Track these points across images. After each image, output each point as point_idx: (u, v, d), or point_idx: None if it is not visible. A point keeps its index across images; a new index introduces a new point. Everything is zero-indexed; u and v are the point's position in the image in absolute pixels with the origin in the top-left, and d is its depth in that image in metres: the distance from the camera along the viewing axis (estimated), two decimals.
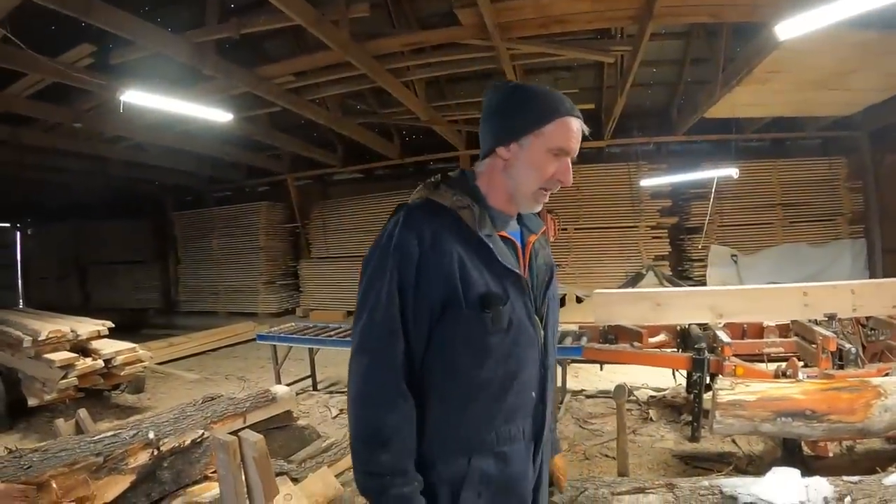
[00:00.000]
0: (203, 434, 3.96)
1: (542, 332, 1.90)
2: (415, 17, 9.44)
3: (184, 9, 8.67)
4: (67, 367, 7.56)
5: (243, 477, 3.19)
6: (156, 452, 3.65)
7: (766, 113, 11.41)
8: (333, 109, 11.66)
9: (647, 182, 12.91)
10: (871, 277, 12.03)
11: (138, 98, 7.47)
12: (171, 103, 7.92)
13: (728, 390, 4.67)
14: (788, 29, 5.63)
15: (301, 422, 5.96)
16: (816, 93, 9.33)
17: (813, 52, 7.34)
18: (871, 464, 4.87)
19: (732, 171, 10.79)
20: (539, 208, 1.94)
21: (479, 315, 1.71)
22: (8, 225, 24.27)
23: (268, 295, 16.89)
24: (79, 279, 21.73)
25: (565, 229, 13.71)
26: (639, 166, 13.46)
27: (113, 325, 8.78)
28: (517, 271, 1.81)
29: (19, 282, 24.39)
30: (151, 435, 3.75)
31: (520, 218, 1.99)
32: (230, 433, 3.43)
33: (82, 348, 8.14)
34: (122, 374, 8.19)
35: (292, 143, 13.92)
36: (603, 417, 7.19)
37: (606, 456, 6.01)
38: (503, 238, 1.86)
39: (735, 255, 13.15)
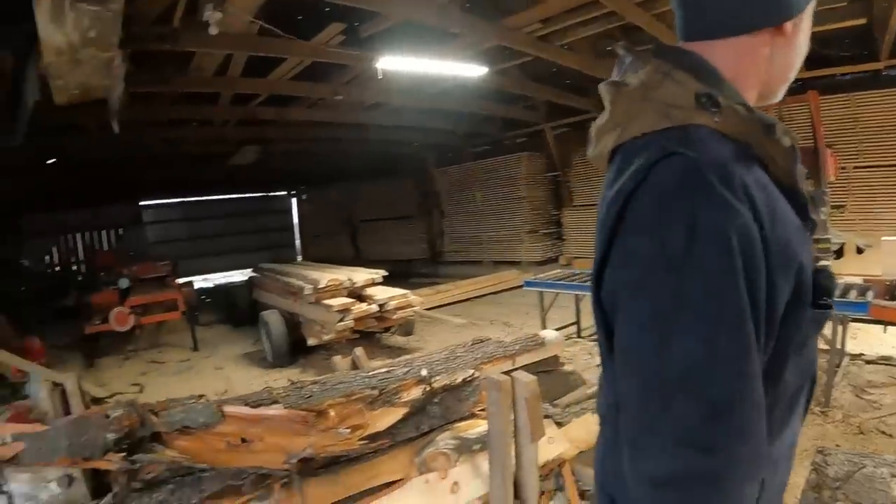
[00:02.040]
0: (473, 374, 4.12)
1: None
2: None
3: None
4: (344, 311, 8.35)
5: (512, 416, 3.31)
6: (428, 389, 3.85)
7: None
8: (585, 53, 11.38)
9: None
10: None
11: (393, 63, 7.83)
12: (425, 64, 8.20)
13: None
14: None
15: (567, 367, 6.00)
16: None
17: None
18: None
19: None
20: None
21: (819, 311, 1.15)
22: (284, 193, 28.09)
23: (531, 244, 16.97)
24: (350, 236, 23.72)
25: (844, 168, 11.93)
26: None
27: (386, 274, 9.49)
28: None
29: (296, 241, 27.52)
30: (424, 372, 3.95)
31: None
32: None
33: (358, 295, 8.91)
34: (393, 318, 8.88)
35: (546, 91, 13.84)
36: (883, 387, 6.37)
37: (883, 433, 5.33)
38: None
39: None
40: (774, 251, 1.03)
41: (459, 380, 4.06)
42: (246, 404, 3.52)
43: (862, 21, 10.84)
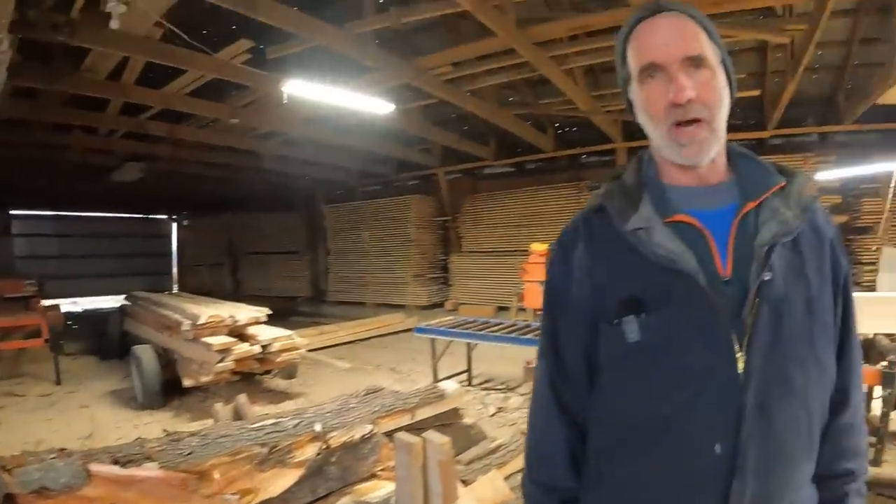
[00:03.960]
0: (372, 430, 3.79)
1: (740, 354, 1.27)
2: (569, 2, 9.17)
3: (335, 6, 8.72)
4: (225, 351, 7.74)
5: (422, 480, 3.01)
6: (324, 446, 3.50)
7: None
8: (489, 101, 11.47)
9: (821, 176, 11.86)
10: None
11: (300, 89, 7.48)
12: (335, 94, 7.89)
13: None
14: None
15: (466, 420, 5.75)
16: None
17: None
18: None
19: None
20: (701, 152, 1.34)
21: (614, 328, 1.36)
22: (164, 216, 26.94)
23: (417, 287, 16.91)
24: (231, 267, 23.08)
25: None
26: (805, 158, 12.46)
27: (270, 312, 9.01)
28: (679, 267, 1.29)
29: (174, 269, 26.71)
30: (318, 427, 3.61)
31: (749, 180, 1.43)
32: (397, 429, 3.25)
33: (239, 334, 8.33)
34: (277, 360, 8.32)
35: (444, 136, 13.84)
36: None
37: None
38: (678, 224, 1.35)
39: None
40: (575, 273, 1.45)
41: (358, 436, 3.72)
42: (115, 461, 3.06)
43: (756, 93, 11.53)
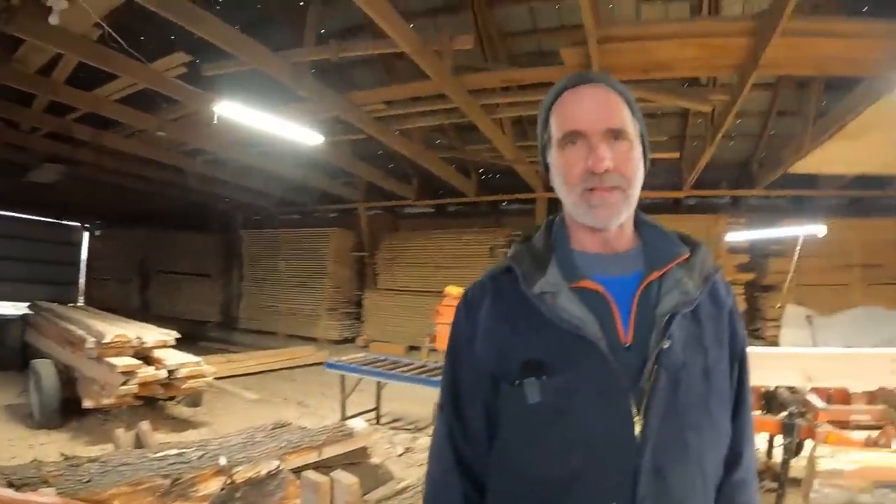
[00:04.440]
0: (279, 466, 3.72)
1: (637, 418, 1.31)
2: (506, 54, 9.37)
3: (277, 31, 8.75)
4: (129, 373, 7.47)
5: None
6: (228, 481, 3.42)
7: (854, 170, 10.88)
8: (417, 141, 11.60)
9: (732, 237, 12.48)
10: None
11: (232, 111, 7.37)
12: (266, 120, 7.81)
13: (828, 458, 4.37)
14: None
15: (374, 459, 5.70)
16: None
17: None
18: None
19: (819, 229, 10.36)
20: (611, 216, 1.40)
21: (515, 389, 1.38)
22: (77, 224, 25.31)
23: (330, 321, 16.68)
24: (140, 284, 22.19)
25: None
26: (717, 219, 13.04)
27: (179, 336, 8.77)
28: (583, 333, 1.33)
29: (81, 280, 25.22)
30: (223, 461, 3.53)
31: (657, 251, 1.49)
32: (304, 467, 3.21)
33: (146, 356, 8.06)
34: (183, 387, 8.07)
35: (370, 171, 13.83)
36: None
37: None
38: (583, 290, 1.39)
39: (810, 316, 12.57)
40: (479, 331, 1.48)
41: (264, 472, 3.65)
42: (10, 483, 2.93)
43: (675, 155, 11.99)
